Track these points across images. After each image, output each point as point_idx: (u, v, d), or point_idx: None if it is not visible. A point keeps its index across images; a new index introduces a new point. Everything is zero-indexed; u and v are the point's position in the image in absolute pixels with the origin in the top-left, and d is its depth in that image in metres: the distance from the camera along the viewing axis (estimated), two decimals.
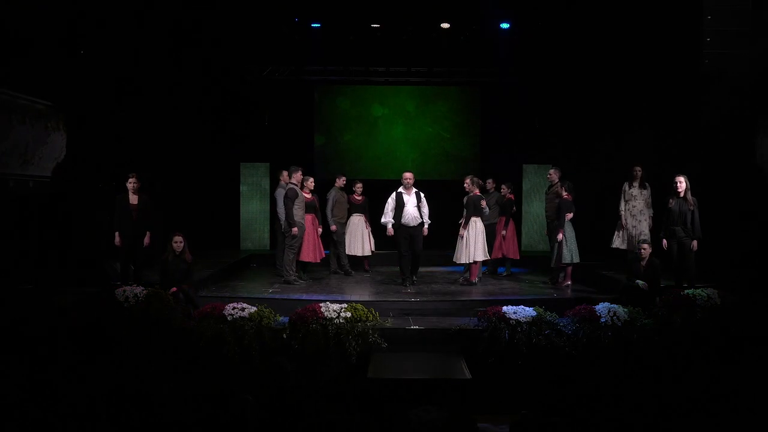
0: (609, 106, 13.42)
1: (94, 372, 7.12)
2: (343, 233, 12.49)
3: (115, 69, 11.01)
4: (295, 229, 11.08)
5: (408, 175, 11.24)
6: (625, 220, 11.39)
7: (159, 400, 5.65)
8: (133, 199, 9.92)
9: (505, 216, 12.26)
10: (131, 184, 9.86)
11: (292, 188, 11.14)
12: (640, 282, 9.23)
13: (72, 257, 10.14)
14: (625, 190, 11.47)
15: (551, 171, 11.98)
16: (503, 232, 12.20)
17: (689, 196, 9.81)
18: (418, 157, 15.78)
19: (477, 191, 11.30)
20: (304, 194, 11.37)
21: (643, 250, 9.45)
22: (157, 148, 12.28)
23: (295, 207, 11.06)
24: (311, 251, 11.51)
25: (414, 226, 11.04)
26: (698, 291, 8.80)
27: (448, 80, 15.55)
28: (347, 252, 12.50)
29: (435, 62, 15.19)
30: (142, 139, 11.80)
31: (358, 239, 12.55)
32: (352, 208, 12.64)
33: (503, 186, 12.44)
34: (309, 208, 11.49)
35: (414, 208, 11.04)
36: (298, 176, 11.33)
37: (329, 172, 14.48)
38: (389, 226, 11.11)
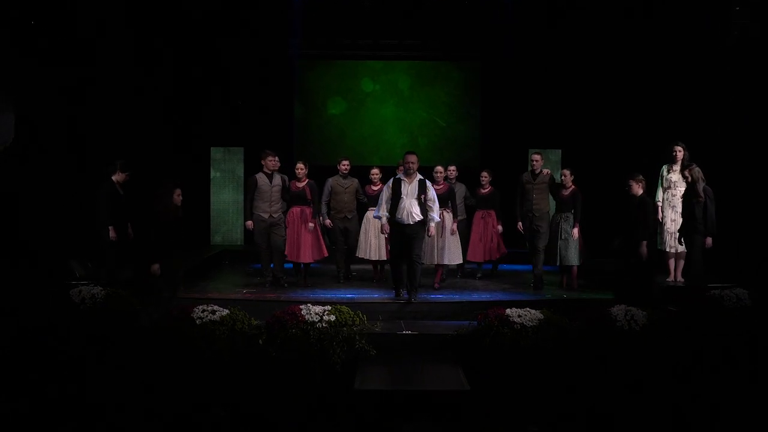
0: (626, 82, 13.42)
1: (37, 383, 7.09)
2: (344, 230, 11.63)
3: (70, 44, 10.95)
4: (248, 223, 10.98)
5: (411, 158, 9.96)
6: (662, 213, 10.60)
7: (118, 417, 5.63)
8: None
9: (494, 210, 12.05)
10: (121, 175, 10.20)
11: (253, 176, 11.08)
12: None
13: (25, 253, 10.11)
14: (663, 176, 10.66)
15: (536, 156, 11.50)
16: (498, 228, 12.02)
17: (699, 187, 9.77)
18: (408, 142, 15.73)
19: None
20: (294, 183, 11.17)
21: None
22: (117, 130, 12.20)
23: (256, 198, 10.91)
24: (294, 249, 11.17)
25: (409, 225, 9.88)
26: (726, 291, 8.81)
27: (446, 54, 15.52)
28: (360, 255, 11.62)
29: (430, 34, 15.15)
30: (100, 121, 11.73)
31: (373, 240, 11.54)
32: (369, 201, 11.55)
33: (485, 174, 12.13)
34: (296, 198, 11.21)
35: (412, 201, 9.86)
36: (268, 162, 11.03)
37: (308, 153, 14.42)
38: (384, 220, 10.02)
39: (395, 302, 10.02)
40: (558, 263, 11.14)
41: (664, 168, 10.67)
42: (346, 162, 11.69)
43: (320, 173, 12.05)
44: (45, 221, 10.48)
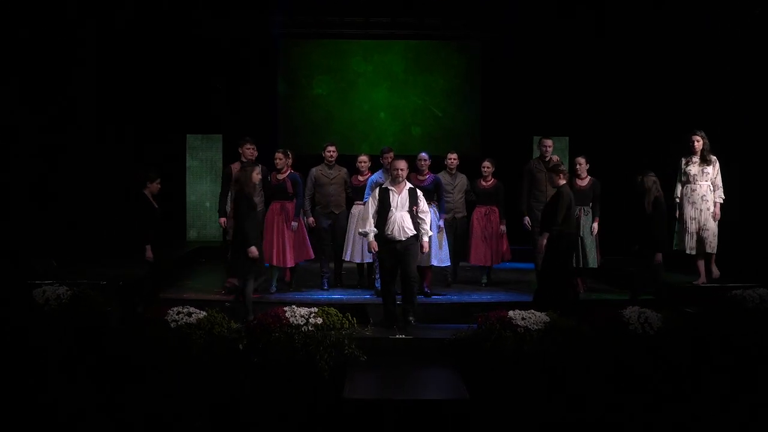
0: (642, 62, 13.40)
1: None
2: (331, 228, 11.17)
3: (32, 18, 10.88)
4: (222, 220, 10.73)
5: (401, 164, 9.42)
6: (681, 210, 10.33)
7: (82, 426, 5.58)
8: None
9: (498, 206, 11.57)
10: (156, 185, 9.84)
11: (229, 166, 10.81)
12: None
13: None
14: (681, 169, 10.37)
15: (547, 141, 11.22)
16: (502, 228, 11.54)
17: (649, 197, 9.64)
18: (400, 130, 15.72)
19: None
20: (274, 175, 10.75)
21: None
22: (85, 116, 12.13)
23: (232, 191, 10.38)
24: (275, 251, 10.58)
25: (402, 241, 9.33)
26: (748, 291, 8.78)
27: (443, 33, 15.48)
28: (346, 258, 11.12)
29: (426, 12, 15.11)
30: (66, 105, 11.65)
31: (360, 240, 10.78)
32: (354, 194, 11.13)
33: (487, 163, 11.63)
34: (276, 192, 10.71)
35: (403, 213, 9.35)
36: (245, 150, 10.65)
37: (292, 141, 14.36)
38: (371, 236, 9.41)
39: None
40: (575, 264, 10.61)
41: (683, 160, 10.34)
42: (332, 148, 11.16)
43: (305, 164, 11.61)
44: (6, 218, 10.44)
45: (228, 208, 10.64)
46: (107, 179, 12.61)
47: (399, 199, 9.37)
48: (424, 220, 9.46)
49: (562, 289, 9.59)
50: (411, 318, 9.46)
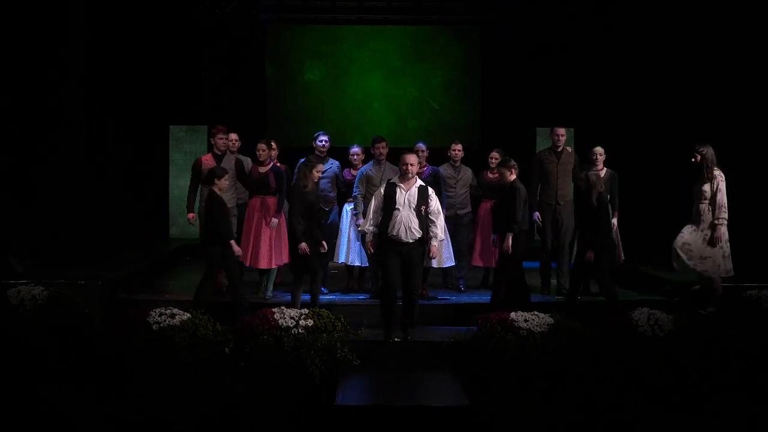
0: (647, 46, 13.40)
1: None
2: (320, 227, 10.31)
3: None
4: (191, 216, 10.44)
5: (410, 159, 9.06)
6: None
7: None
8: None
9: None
10: (224, 181, 9.60)
11: (199, 158, 10.61)
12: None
13: None
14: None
15: (560, 130, 10.97)
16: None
17: (594, 194, 9.55)
18: (395, 122, 15.70)
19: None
20: (256, 168, 10.46)
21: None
22: (62, 105, 12.09)
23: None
24: (250, 251, 10.26)
25: (407, 243, 9.00)
26: (765, 292, 8.78)
27: (441, 18, 15.47)
28: (339, 260, 10.80)
29: None
30: (43, 95, 11.62)
31: (353, 240, 10.62)
32: (347, 189, 10.89)
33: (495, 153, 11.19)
34: (257, 186, 10.41)
35: (411, 213, 8.98)
36: (218, 140, 10.41)
37: (281, 131, 14.33)
38: (369, 236, 9.17)
39: None
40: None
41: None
42: (324, 138, 10.95)
43: (295, 155, 11.24)
44: None
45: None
46: (87, 172, 12.58)
47: (407, 196, 8.99)
48: (434, 222, 9.10)
49: (517, 289, 9.64)
50: (410, 335, 9.16)
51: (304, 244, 9.30)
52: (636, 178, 12.73)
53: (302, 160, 10.69)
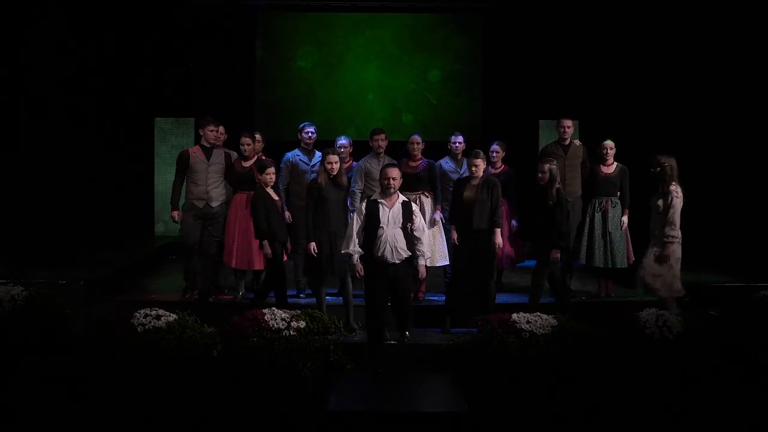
0: (656, 36, 13.40)
1: None
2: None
3: None
4: (175, 213, 10.34)
5: (392, 173, 8.79)
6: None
7: None
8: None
9: (508, 198, 10.89)
10: (267, 175, 9.58)
11: (186, 150, 10.50)
12: None
13: None
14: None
15: (567, 122, 10.93)
16: (513, 223, 10.98)
17: (553, 189, 9.52)
18: (389, 115, 15.66)
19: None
20: (239, 162, 10.40)
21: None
22: (39, 95, 12.07)
23: (188, 180, 10.22)
24: (238, 252, 10.25)
25: (394, 264, 8.74)
26: None
27: (441, 5, 15.46)
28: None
29: None
30: (19, 84, 11.60)
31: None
32: None
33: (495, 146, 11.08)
34: (242, 182, 10.30)
35: (395, 231, 8.72)
36: (208, 132, 10.27)
37: (270, 123, 14.29)
38: (356, 257, 8.85)
39: None
40: (603, 264, 10.51)
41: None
42: (310, 129, 10.76)
43: (281, 149, 11.27)
44: None
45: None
46: (67, 167, 12.55)
47: (390, 213, 8.72)
48: (419, 239, 8.87)
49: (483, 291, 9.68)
50: (406, 338, 9.18)
51: (313, 244, 9.35)
52: (646, 173, 12.71)
53: (288, 154, 10.72)
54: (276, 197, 9.73)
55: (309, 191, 9.54)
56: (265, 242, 9.44)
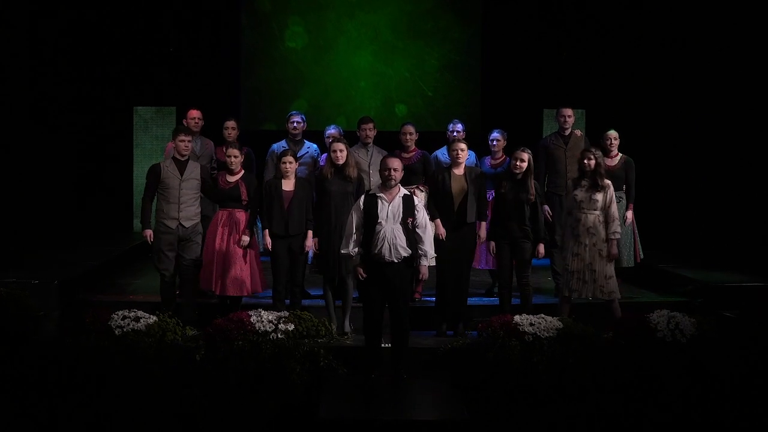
0: (666, 19, 13.41)
1: None
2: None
3: None
4: (147, 232, 9.63)
5: (393, 163, 8.47)
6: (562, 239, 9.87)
7: None
8: (287, 185, 9.42)
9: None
10: (288, 165, 9.35)
11: (157, 164, 9.82)
12: None
13: None
14: (568, 188, 10.01)
15: (567, 111, 10.81)
16: None
17: (530, 182, 9.43)
18: (381, 105, 15.64)
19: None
20: (224, 177, 9.66)
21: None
22: (14, 84, 12.06)
23: (159, 197, 9.53)
24: (215, 275, 9.48)
25: (391, 263, 8.37)
26: None
27: None
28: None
29: None
30: None
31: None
32: None
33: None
34: (226, 199, 9.63)
35: (395, 228, 8.36)
36: (179, 143, 9.57)
37: (255, 114, 14.28)
38: (356, 258, 8.53)
39: None
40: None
41: (569, 181, 10.04)
42: (297, 119, 10.60)
43: (266, 139, 11.20)
44: None
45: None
46: (39, 159, 12.52)
47: (390, 208, 8.37)
48: (422, 237, 8.49)
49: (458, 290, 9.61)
50: (403, 372, 8.51)
51: (315, 240, 9.39)
52: (655, 165, 12.73)
53: (274, 145, 10.65)
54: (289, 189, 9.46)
55: (316, 183, 9.54)
56: (266, 231, 9.38)
